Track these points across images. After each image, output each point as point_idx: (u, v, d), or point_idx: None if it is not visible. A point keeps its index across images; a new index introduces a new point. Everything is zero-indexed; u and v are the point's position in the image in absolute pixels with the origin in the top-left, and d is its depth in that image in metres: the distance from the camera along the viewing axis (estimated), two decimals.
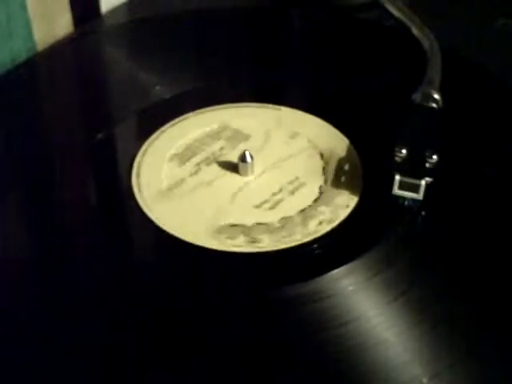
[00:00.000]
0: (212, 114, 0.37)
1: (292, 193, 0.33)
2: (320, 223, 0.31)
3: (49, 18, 0.43)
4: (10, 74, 0.41)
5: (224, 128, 0.36)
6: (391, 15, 0.42)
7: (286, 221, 0.31)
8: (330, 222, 0.31)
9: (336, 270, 0.29)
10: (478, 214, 0.32)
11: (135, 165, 0.34)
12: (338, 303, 0.27)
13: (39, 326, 0.27)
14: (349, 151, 0.35)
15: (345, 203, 0.32)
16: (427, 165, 0.31)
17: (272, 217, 0.31)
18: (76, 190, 0.33)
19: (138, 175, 0.33)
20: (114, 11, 0.47)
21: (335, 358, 0.26)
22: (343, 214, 0.31)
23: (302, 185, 0.33)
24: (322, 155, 0.35)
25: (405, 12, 0.42)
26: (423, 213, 0.32)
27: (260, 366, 0.26)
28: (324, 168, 0.34)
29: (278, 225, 0.31)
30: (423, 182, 0.31)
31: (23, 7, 0.41)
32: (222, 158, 0.34)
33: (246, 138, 0.36)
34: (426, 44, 0.39)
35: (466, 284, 0.29)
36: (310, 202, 0.32)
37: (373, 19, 0.45)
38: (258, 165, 0.34)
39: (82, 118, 0.39)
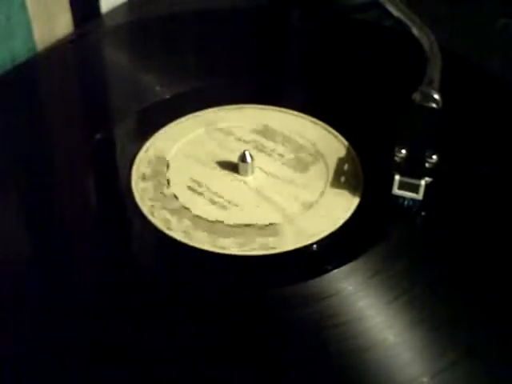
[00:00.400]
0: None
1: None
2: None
3: (49, 18, 0.43)
4: (10, 74, 0.41)
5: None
6: (391, 15, 0.42)
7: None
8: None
9: (336, 270, 0.29)
10: (478, 214, 0.32)
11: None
12: (337, 303, 0.27)
13: (39, 326, 0.27)
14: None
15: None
16: (427, 165, 0.31)
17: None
18: (76, 190, 0.33)
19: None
20: (113, 11, 0.47)
21: (335, 358, 0.26)
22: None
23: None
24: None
25: (405, 12, 0.42)
26: (423, 213, 0.32)
27: (260, 366, 0.26)
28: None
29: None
30: (423, 182, 0.31)
31: (23, 7, 0.41)
32: (222, 158, 0.34)
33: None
34: (425, 44, 0.39)
35: (465, 284, 0.29)
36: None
37: (372, 19, 0.45)
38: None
39: (82, 118, 0.39)
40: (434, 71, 0.36)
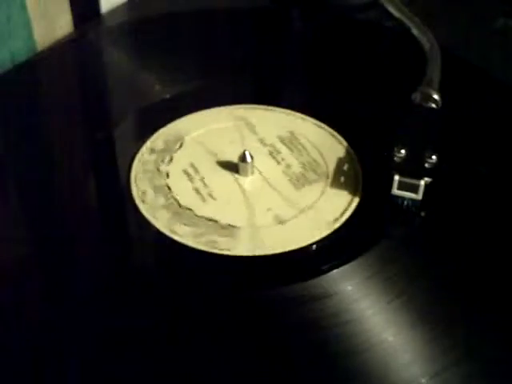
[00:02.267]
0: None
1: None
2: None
3: (49, 18, 0.43)
4: (10, 74, 0.41)
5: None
6: (391, 15, 0.42)
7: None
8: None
9: (336, 270, 0.29)
10: (478, 214, 0.32)
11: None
12: (337, 303, 0.28)
13: (39, 326, 0.27)
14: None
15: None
16: (426, 165, 0.31)
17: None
18: (75, 190, 0.33)
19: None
20: (113, 11, 0.47)
21: (335, 358, 0.26)
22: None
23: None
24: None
25: (405, 12, 0.41)
26: (422, 213, 0.32)
27: (260, 366, 0.26)
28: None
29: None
30: (422, 183, 0.31)
31: (23, 7, 0.41)
32: (222, 158, 0.34)
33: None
34: (425, 44, 0.39)
35: (465, 284, 0.29)
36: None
37: (373, 19, 0.45)
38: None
39: (82, 117, 0.39)
40: (434, 71, 0.36)
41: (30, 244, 0.31)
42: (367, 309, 0.27)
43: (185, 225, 0.31)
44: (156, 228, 0.31)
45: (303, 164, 0.34)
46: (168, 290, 0.29)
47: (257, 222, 0.31)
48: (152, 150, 0.34)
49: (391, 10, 0.42)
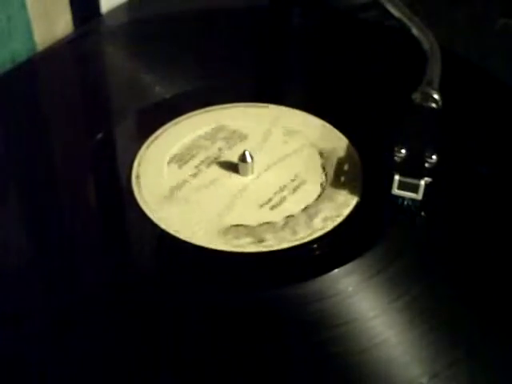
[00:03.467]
0: (211, 114, 0.37)
1: (292, 193, 0.33)
2: (320, 223, 0.31)
3: (49, 18, 0.43)
4: (10, 74, 0.41)
5: (222, 128, 0.36)
6: (391, 15, 0.42)
7: (287, 220, 0.31)
8: (329, 222, 0.31)
9: (336, 270, 0.29)
10: (478, 214, 0.32)
11: (135, 165, 0.34)
12: (338, 303, 0.27)
13: (38, 327, 0.27)
14: (348, 151, 0.35)
15: (344, 203, 0.32)
16: (426, 165, 0.31)
17: (273, 216, 0.31)
18: (76, 190, 0.33)
19: (138, 176, 0.33)
20: (113, 11, 0.47)
21: (335, 358, 0.26)
22: (343, 214, 0.31)
23: (302, 185, 0.33)
24: (321, 155, 0.35)
25: (405, 12, 0.42)
26: (422, 213, 0.32)
27: (260, 366, 0.26)
28: (323, 168, 0.34)
29: (279, 225, 0.31)
30: (422, 182, 0.31)
31: (23, 7, 0.41)
32: (222, 159, 0.34)
33: (245, 137, 0.36)
34: (425, 44, 0.39)
35: (466, 284, 0.29)
36: (310, 202, 0.32)
37: (373, 19, 0.45)
38: (257, 165, 0.34)
39: (81, 118, 0.39)
40: (434, 71, 0.36)
41: (29, 245, 0.31)
42: (367, 309, 0.27)
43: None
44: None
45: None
46: (169, 288, 0.29)
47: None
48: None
49: (391, 10, 0.42)
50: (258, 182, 0.33)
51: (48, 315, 0.28)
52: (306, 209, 0.32)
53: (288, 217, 0.31)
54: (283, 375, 0.26)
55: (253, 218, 0.31)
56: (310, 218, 0.31)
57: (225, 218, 0.31)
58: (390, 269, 0.29)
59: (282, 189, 0.33)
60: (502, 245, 0.30)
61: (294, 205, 0.32)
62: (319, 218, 0.31)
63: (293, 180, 0.33)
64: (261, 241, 0.30)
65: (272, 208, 0.32)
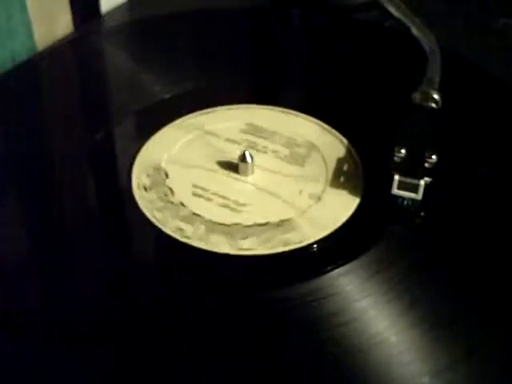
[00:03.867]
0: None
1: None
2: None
3: (49, 18, 0.43)
4: (10, 74, 0.41)
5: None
6: (391, 15, 0.42)
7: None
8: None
9: (336, 270, 0.29)
10: (477, 214, 0.32)
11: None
12: (337, 303, 0.28)
13: (38, 327, 0.27)
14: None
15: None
16: (426, 165, 0.31)
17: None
18: (75, 190, 0.33)
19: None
20: (113, 11, 0.47)
21: (335, 358, 0.26)
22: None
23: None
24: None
25: (405, 12, 0.42)
26: (422, 213, 0.32)
27: (260, 366, 0.26)
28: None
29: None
30: (422, 182, 0.31)
31: (23, 7, 0.41)
32: (222, 158, 0.34)
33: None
34: (425, 44, 0.39)
35: (465, 283, 0.29)
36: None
37: (373, 19, 0.45)
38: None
39: (81, 118, 0.39)
40: (434, 71, 0.36)
41: (28, 245, 0.31)
42: (367, 309, 0.27)
43: (242, 238, 0.30)
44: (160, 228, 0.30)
45: (281, 143, 0.35)
46: (168, 288, 0.29)
47: (299, 208, 0.31)
48: (144, 188, 0.33)
49: (391, 10, 0.42)
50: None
51: (48, 315, 0.28)
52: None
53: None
54: (283, 375, 0.26)
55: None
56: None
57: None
58: (389, 268, 0.29)
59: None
60: (502, 245, 0.30)
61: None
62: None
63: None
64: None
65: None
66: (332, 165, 0.34)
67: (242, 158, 0.33)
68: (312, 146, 0.35)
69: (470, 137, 0.36)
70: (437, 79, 0.36)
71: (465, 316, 0.28)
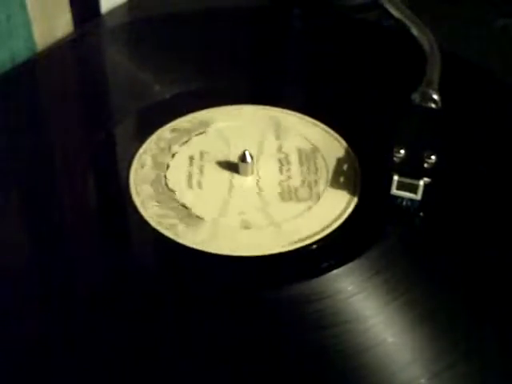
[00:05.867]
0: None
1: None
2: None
3: (49, 18, 0.43)
4: (10, 74, 0.41)
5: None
6: (391, 15, 0.42)
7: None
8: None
9: (336, 270, 0.29)
10: (477, 215, 0.32)
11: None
12: (337, 303, 0.28)
13: (38, 327, 0.27)
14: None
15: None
16: (425, 165, 0.31)
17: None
18: (75, 190, 0.33)
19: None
20: (113, 11, 0.47)
21: (334, 358, 0.26)
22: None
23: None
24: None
25: (405, 12, 0.42)
26: (421, 213, 0.32)
27: (260, 366, 0.26)
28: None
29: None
30: (421, 183, 0.31)
31: (23, 7, 0.41)
32: (222, 158, 0.34)
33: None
34: (425, 44, 0.39)
35: (465, 284, 0.29)
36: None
37: (372, 20, 0.45)
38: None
39: (81, 117, 0.39)
40: (434, 71, 0.36)
41: (28, 245, 0.31)
42: (367, 309, 0.27)
43: (158, 203, 0.31)
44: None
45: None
46: (168, 287, 0.29)
47: (222, 221, 0.31)
48: (174, 130, 0.35)
49: (391, 10, 0.42)
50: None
51: (47, 315, 0.28)
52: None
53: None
54: (283, 375, 0.26)
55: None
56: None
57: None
58: (389, 269, 0.29)
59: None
60: (502, 245, 0.30)
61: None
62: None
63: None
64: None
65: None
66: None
67: (242, 158, 0.33)
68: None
69: (470, 137, 0.36)
70: (436, 79, 0.36)
71: (464, 316, 0.28)
